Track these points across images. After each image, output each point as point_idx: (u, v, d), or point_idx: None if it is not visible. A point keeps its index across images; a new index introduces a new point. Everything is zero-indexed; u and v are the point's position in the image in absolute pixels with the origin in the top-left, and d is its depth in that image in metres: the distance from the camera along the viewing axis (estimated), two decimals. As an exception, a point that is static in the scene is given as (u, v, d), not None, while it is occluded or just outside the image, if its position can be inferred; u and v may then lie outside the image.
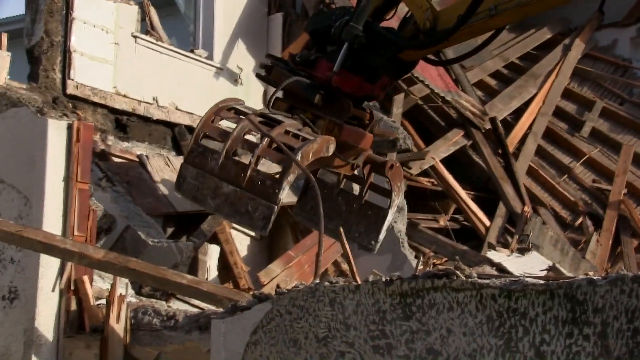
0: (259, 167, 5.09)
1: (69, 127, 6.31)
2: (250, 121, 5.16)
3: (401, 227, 9.96)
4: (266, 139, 5.02)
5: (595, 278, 3.27)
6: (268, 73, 5.79)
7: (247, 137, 5.18)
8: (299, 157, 4.97)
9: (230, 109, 5.35)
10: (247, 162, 5.05)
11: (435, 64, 7.54)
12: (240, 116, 5.27)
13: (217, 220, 9.29)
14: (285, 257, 9.20)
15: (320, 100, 5.54)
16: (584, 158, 12.99)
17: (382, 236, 5.94)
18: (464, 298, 3.61)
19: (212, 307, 6.23)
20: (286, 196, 5.83)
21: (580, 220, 11.93)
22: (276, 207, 4.98)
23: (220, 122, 5.34)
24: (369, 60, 5.60)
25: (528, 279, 3.44)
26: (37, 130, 6.25)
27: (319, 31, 5.80)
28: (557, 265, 9.67)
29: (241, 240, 10.27)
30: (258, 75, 6.06)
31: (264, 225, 5.07)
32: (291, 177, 5.01)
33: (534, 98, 13.47)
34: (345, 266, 9.91)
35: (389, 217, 5.91)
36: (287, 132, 5.20)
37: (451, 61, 7.80)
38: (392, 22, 6.01)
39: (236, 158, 5.14)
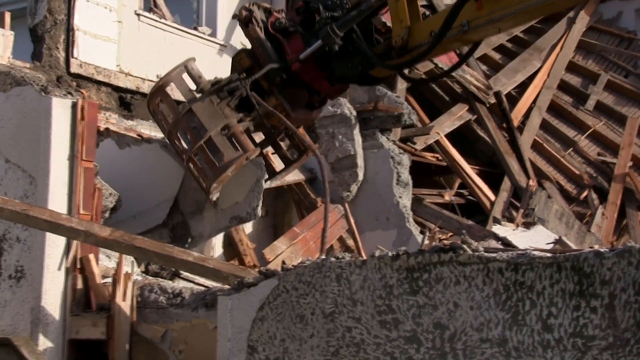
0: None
1: (74, 106, 6.29)
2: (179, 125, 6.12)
3: (406, 202, 9.95)
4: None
5: (602, 250, 3.26)
6: (244, 25, 5.84)
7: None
8: (213, 189, 5.88)
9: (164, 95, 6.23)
10: None
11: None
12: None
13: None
14: (291, 234, 9.19)
15: (280, 82, 5.73)
16: (589, 131, 12.94)
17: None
18: (471, 272, 3.61)
19: (218, 286, 6.25)
20: (291, 175, 6.17)
21: (585, 193, 11.90)
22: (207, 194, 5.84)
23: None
24: (335, 67, 5.58)
25: (535, 252, 3.44)
26: (41, 109, 6.23)
27: (310, 6, 5.74)
28: (564, 239, 9.66)
29: (246, 218, 10.24)
30: (235, 16, 6.11)
31: (207, 194, 5.89)
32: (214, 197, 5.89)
33: (538, 71, 13.41)
34: (350, 242, 9.92)
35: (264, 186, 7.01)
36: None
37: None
38: None
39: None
